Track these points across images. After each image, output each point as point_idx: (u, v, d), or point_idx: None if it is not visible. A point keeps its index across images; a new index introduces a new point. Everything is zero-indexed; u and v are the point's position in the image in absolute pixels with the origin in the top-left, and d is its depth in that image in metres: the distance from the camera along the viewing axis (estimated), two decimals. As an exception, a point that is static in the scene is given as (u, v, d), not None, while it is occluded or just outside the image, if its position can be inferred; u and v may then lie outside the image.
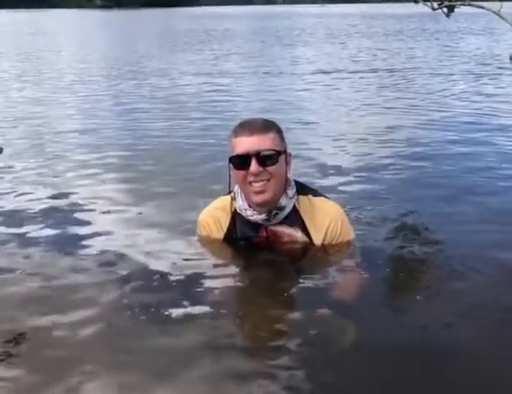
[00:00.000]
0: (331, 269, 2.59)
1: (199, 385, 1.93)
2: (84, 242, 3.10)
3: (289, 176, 2.57)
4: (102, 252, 2.95)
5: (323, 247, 2.57)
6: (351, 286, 2.51)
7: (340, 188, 3.99)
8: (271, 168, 2.42)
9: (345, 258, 2.65)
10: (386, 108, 7.51)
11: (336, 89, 9.43)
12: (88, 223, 3.41)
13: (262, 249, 2.63)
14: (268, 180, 2.43)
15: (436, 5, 3.78)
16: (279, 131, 2.51)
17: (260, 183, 2.42)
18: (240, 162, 2.42)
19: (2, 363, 2.04)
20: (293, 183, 2.59)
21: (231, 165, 2.48)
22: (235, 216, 2.62)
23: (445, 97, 8.34)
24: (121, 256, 2.87)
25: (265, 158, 2.41)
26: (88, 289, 2.53)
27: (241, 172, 2.44)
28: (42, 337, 2.18)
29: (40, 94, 9.09)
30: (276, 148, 2.44)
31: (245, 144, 2.41)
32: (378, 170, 4.54)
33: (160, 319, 2.24)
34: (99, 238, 3.16)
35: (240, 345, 2.13)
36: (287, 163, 2.53)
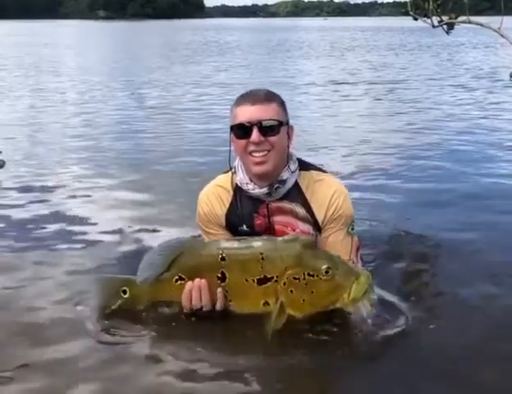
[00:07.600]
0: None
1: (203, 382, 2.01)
2: (79, 253, 3.14)
3: (291, 150, 2.53)
4: (100, 264, 2.99)
5: (323, 229, 2.51)
6: None
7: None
8: (272, 139, 2.38)
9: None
10: (381, 121, 7.51)
11: (332, 100, 9.42)
12: (84, 233, 3.46)
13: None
14: (269, 150, 2.39)
15: (436, 22, 3.76)
16: (282, 103, 2.47)
17: (261, 153, 2.38)
18: (242, 131, 2.38)
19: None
20: (295, 158, 2.54)
21: (232, 135, 2.44)
22: (237, 191, 2.56)
23: (441, 108, 8.39)
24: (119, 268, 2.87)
25: (267, 128, 2.37)
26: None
27: (242, 142, 2.40)
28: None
29: (39, 105, 9.05)
30: (279, 119, 2.40)
31: (247, 113, 2.37)
32: (372, 180, 4.62)
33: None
34: (95, 246, 3.24)
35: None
36: (289, 136, 2.49)
